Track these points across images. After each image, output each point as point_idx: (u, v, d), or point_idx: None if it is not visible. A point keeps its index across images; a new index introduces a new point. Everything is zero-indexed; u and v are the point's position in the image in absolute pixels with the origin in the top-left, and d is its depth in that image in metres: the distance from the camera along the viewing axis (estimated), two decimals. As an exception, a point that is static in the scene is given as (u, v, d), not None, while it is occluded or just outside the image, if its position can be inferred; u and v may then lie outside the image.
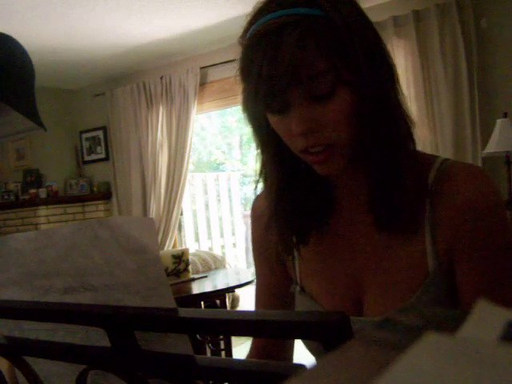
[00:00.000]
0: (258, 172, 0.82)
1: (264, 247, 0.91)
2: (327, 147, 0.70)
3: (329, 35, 0.66)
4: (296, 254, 0.86)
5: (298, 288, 0.87)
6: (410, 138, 0.74)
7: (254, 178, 0.84)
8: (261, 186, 0.84)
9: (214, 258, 3.95)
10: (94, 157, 5.46)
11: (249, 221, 0.98)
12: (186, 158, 4.67)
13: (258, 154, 0.81)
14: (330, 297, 0.82)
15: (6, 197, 5.36)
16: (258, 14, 0.70)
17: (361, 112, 0.69)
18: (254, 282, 0.97)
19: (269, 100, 0.68)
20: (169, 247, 4.84)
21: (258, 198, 0.94)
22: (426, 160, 0.76)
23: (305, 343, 0.81)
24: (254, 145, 0.83)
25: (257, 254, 0.94)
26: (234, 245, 6.09)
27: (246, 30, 0.72)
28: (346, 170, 0.76)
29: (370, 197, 0.75)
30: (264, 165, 0.81)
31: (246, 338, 3.58)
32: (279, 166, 0.78)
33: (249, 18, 0.72)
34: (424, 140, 3.20)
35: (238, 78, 0.75)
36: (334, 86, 0.67)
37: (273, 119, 0.72)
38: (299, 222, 0.80)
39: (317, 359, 0.84)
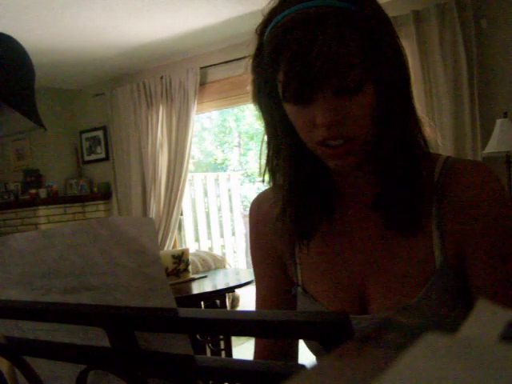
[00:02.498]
0: (265, 165, 0.81)
1: (266, 248, 0.90)
2: (347, 141, 0.70)
3: (365, 31, 0.67)
4: (298, 254, 0.85)
5: (300, 289, 0.85)
6: (421, 137, 0.76)
7: (259, 172, 0.83)
8: (263, 182, 0.83)
9: (214, 258, 3.95)
10: (93, 157, 5.46)
11: (248, 221, 0.96)
12: (186, 158, 4.67)
13: (267, 146, 0.80)
14: (333, 296, 0.81)
15: (6, 197, 5.36)
16: (286, 2, 0.68)
17: (383, 110, 0.71)
18: (254, 284, 0.95)
19: (298, 89, 0.67)
20: (169, 247, 4.83)
21: (257, 199, 0.92)
22: (430, 158, 0.77)
23: (306, 343, 0.81)
24: (254, 144, 0.82)
25: (257, 256, 0.92)
26: (234, 245, 6.10)
27: (268, 19, 0.71)
28: (356, 167, 0.76)
29: (378, 195, 0.76)
30: (272, 158, 0.80)
31: (246, 338, 3.58)
32: (291, 159, 0.77)
33: (274, 5, 0.70)
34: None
35: (249, 68, 0.75)
36: (362, 82, 0.67)
37: (292, 109, 0.71)
38: (307, 217, 0.80)
39: (317, 358, 0.84)
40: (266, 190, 0.90)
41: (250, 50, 0.75)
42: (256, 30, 0.73)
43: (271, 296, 0.91)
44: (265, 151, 0.81)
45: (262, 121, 0.79)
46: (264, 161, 0.81)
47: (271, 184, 0.82)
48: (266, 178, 0.82)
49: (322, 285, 0.83)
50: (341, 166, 0.73)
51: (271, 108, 0.76)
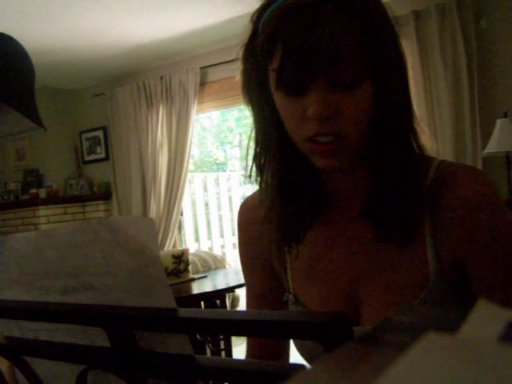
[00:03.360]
0: (252, 162, 0.77)
1: (254, 253, 0.87)
2: (337, 139, 0.66)
3: (367, 24, 0.64)
4: (287, 259, 0.82)
5: (291, 297, 0.83)
6: (416, 143, 0.73)
7: (246, 169, 0.78)
8: (250, 179, 0.78)
9: (214, 258, 3.95)
10: (94, 157, 5.46)
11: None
12: (186, 157, 4.67)
13: (254, 141, 0.76)
14: (324, 305, 0.78)
15: (5, 197, 5.36)
16: None
17: (379, 110, 0.68)
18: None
19: (292, 77, 0.64)
20: (169, 247, 4.83)
21: (246, 202, 0.89)
22: (423, 162, 0.74)
23: (297, 347, 0.79)
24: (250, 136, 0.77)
25: (246, 262, 0.89)
26: (234, 245, 6.09)
27: (265, 6, 0.67)
28: (345, 170, 0.74)
29: (369, 202, 0.73)
30: (260, 155, 0.75)
31: (246, 337, 3.57)
32: (280, 156, 0.73)
33: None
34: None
35: (240, 56, 0.71)
36: (360, 77, 0.64)
37: (283, 100, 0.67)
38: (294, 219, 0.76)
39: (310, 363, 0.82)
40: (254, 193, 0.86)
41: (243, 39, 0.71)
42: (251, 17, 0.70)
43: (261, 303, 0.89)
44: (252, 147, 0.76)
45: (251, 113, 0.75)
46: (251, 157, 0.77)
47: (258, 182, 0.78)
48: (253, 176, 0.78)
49: (312, 293, 0.80)
50: (328, 166, 0.69)
51: (261, 100, 0.72)
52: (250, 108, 0.75)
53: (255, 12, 0.69)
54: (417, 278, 0.72)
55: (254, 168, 0.77)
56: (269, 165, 0.75)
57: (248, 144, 0.77)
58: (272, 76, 0.68)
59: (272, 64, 0.66)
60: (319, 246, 0.79)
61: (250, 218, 0.86)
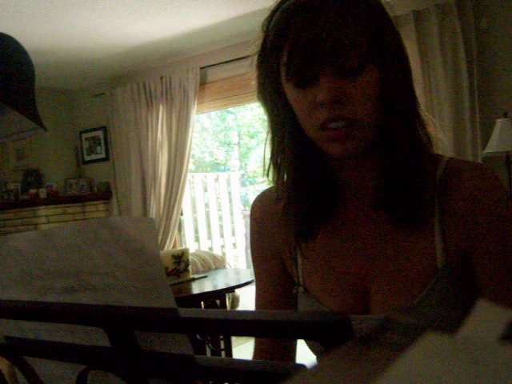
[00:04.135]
0: (269, 161, 0.80)
1: (266, 246, 0.89)
2: (349, 124, 0.70)
3: (366, 13, 0.69)
4: (299, 253, 0.85)
5: (301, 289, 0.85)
6: (424, 133, 0.76)
7: (264, 167, 0.82)
8: (267, 178, 0.83)
9: (214, 258, 3.95)
10: (93, 157, 5.46)
11: (248, 221, 0.95)
12: (186, 157, 4.67)
13: (270, 142, 0.80)
14: (335, 296, 0.81)
15: (6, 197, 5.36)
16: None
17: (385, 92, 0.71)
18: (254, 284, 0.95)
19: (300, 67, 0.69)
20: (169, 247, 4.83)
21: (260, 197, 0.92)
22: (433, 158, 0.77)
23: (307, 343, 0.81)
24: (255, 142, 0.81)
25: (257, 254, 0.92)
26: (234, 245, 6.09)
27: (272, 13, 0.73)
28: (356, 161, 0.76)
29: (382, 193, 0.76)
30: (276, 154, 0.79)
31: (246, 338, 3.58)
32: (295, 154, 0.77)
33: (279, 0, 0.73)
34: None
35: (254, 65, 0.76)
36: (364, 63, 0.69)
37: (294, 92, 0.72)
38: (310, 215, 0.79)
39: (318, 358, 0.84)
40: (268, 188, 0.89)
41: (255, 47, 0.76)
42: (262, 26, 0.75)
43: (271, 296, 0.90)
44: (269, 147, 0.80)
45: (267, 115, 0.80)
46: (268, 156, 0.81)
47: (275, 180, 0.82)
48: (271, 174, 0.82)
49: (323, 284, 0.82)
50: (342, 151, 0.72)
51: (275, 99, 0.76)
52: (265, 110, 0.79)
53: (264, 21, 0.74)
54: (425, 268, 0.74)
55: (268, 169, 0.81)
56: (285, 163, 0.79)
57: (265, 145, 0.81)
58: (283, 70, 0.72)
59: (282, 60, 0.71)
60: (331, 239, 0.82)
61: (265, 211, 0.89)
